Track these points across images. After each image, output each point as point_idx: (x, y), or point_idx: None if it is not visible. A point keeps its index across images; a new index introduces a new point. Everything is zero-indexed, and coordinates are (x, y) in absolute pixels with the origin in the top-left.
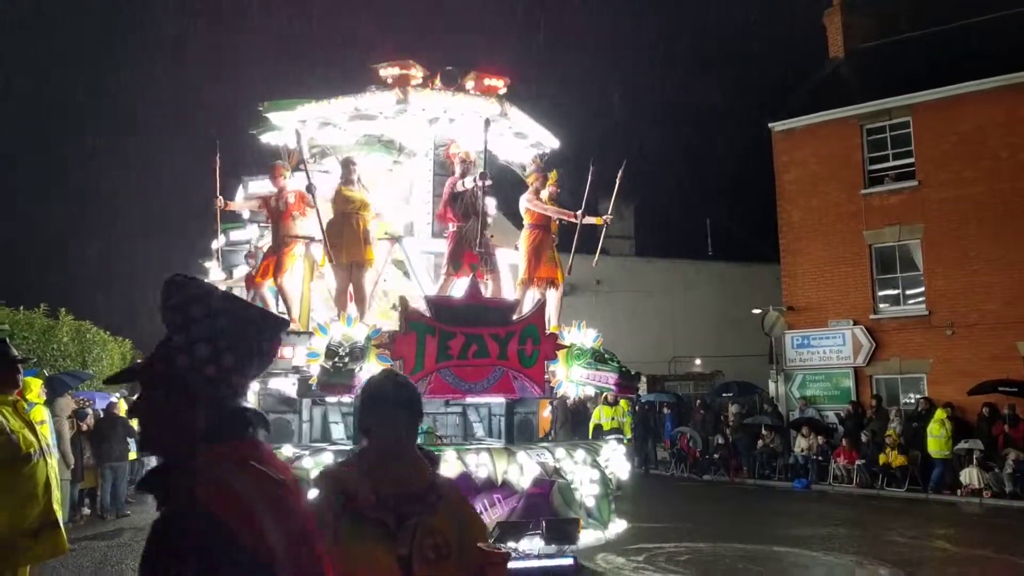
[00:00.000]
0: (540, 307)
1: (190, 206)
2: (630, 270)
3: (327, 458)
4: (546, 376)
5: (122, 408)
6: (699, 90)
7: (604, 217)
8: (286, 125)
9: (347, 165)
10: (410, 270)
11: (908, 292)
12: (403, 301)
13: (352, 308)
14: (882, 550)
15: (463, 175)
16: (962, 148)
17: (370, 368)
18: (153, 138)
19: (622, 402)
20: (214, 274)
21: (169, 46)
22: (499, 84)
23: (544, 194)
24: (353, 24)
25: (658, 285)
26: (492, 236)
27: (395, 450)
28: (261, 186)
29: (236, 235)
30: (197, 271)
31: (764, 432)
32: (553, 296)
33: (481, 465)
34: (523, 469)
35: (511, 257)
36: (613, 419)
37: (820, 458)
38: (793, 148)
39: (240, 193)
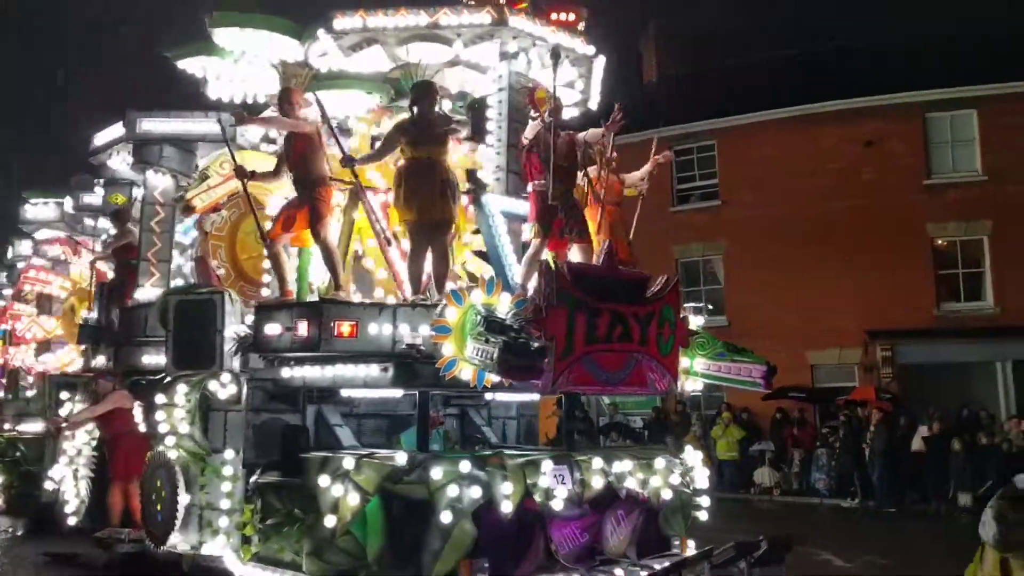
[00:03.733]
0: (676, 283)
1: None
2: None
3: (464, 467)
4: None
5: None
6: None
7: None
8: (239, 46)
9: (430, 92)
10: (493, 233)
11: (712, 305)
12: (549, 266)
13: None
14: None
15: (550, 123)
16: (762, 172)
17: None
18: None
19: None
20: (22, 248)
21: None
22: (574, 18)
23: None
24: None
25: None
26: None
27: None
28: (158, 124)
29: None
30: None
31: (576, 437)
32: None
33: (627, 474)
34: (663, 478)
35: None
36: None
37: None
38: None
39: (109, 135)
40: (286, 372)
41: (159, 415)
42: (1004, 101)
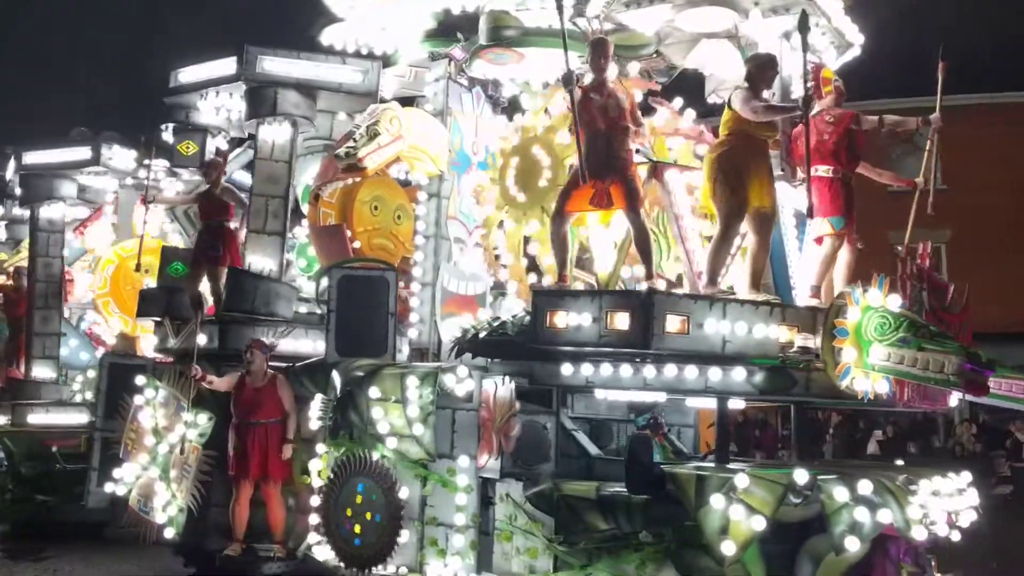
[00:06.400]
0: (967, 295)
1: None
2: None
3: (864, 487)
4: None
5: None
6: None
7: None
8: None
9: (774, 67)
10: (782, 224)
11: None
12: (921, 268)
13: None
14: None
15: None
16: None
17: None
18: None
19: None
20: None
21: None
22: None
23: None
24: None
25: None
26: None
27: None
28: (284, 66)
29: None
30: None
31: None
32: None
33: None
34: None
35: None
36: None
37: None
38: None
39: (203, 72)
40: (567, 369)
41: (375, 412)
42: (962, 112)
